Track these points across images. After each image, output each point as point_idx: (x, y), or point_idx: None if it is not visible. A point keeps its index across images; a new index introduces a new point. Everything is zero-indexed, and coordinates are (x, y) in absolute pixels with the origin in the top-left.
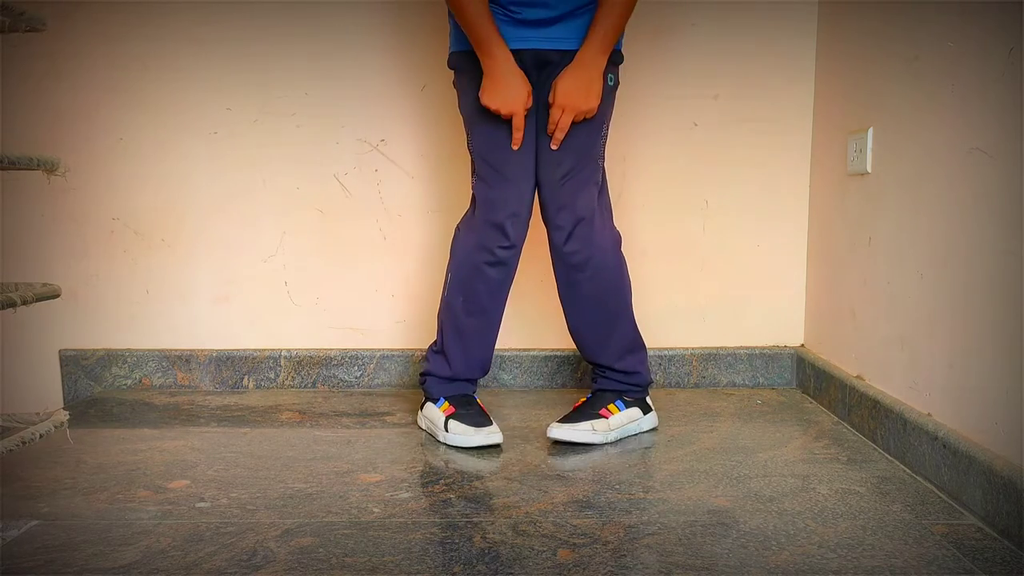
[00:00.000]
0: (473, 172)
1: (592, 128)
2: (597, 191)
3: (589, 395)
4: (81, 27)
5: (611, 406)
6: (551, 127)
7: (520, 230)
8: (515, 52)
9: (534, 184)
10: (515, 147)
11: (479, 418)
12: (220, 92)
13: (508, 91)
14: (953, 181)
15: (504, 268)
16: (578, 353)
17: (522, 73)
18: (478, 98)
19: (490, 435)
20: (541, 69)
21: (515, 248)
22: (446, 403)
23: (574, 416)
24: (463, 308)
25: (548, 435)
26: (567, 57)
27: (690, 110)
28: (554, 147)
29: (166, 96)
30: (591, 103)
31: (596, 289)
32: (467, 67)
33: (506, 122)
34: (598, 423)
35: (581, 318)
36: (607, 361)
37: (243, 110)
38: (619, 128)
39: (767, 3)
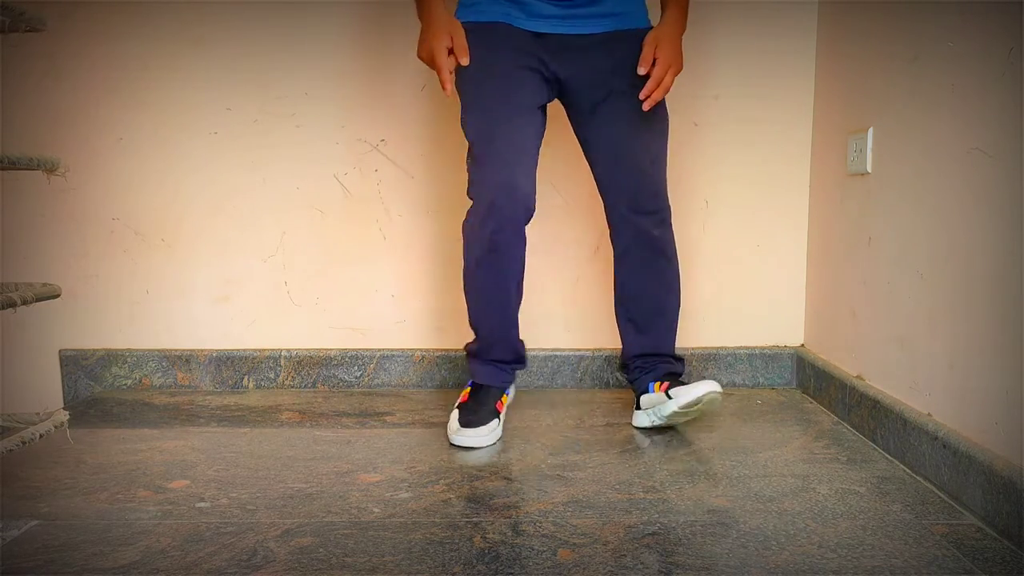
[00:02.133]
0: (467, 153)
1: (663, 110)
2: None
3: (667, 385)
4: (81, 27)
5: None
6: (654, 86)
7: (513, 209)
8: (536, 35)
9: (531, 163)
10: (446, 92)
11: (475, 415)
12: (220, 92)
13: (429, 33)
14: (953, 181)
15: (503, 253)
16: (579, 353)
17: (446, 18)
18: (472, 76)
19: (467, 437)
20: (564, 51)
21: (509, 232)
22: (468, 389)
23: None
24: (479, 292)
25: (666, 416)
26: (594, 39)
27: (690, 110)
28: (647, 108)
29: (166, 96)
30: (680, 60)
31: (674, 274)
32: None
33: (497, 94)
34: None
35: (660, 305)
36: (670, 348)
37: (243, 110)
38: None
39: (767, 3)
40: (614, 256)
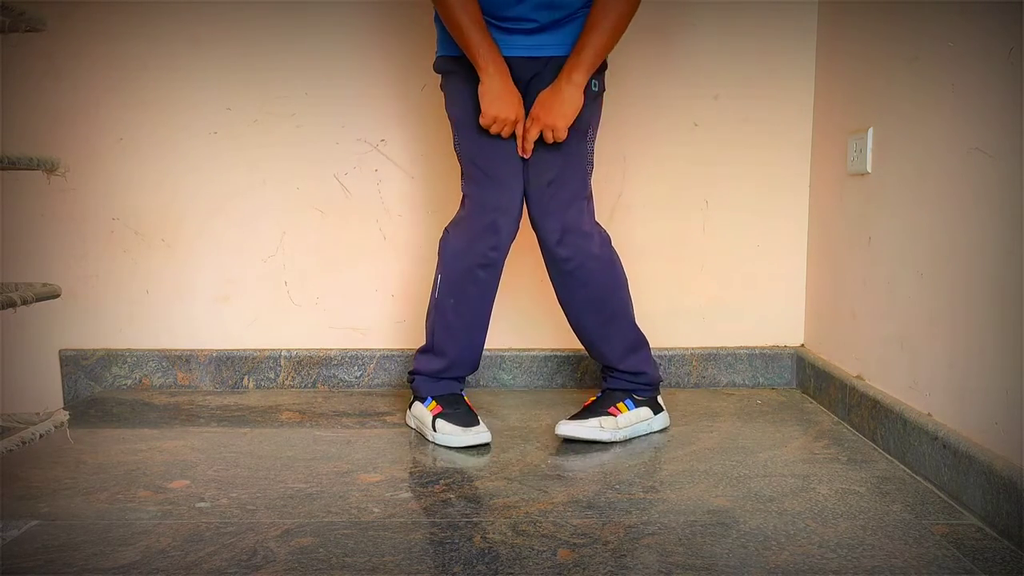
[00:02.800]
0: (463, 175)
1: (578, 135)
2: (587, 199)
3: (599, 394)
4: (81, 27)
5: (620, 405)
6: (520, 144)
7: (510, 230)
8: (505, 58)
9: (523, 186)
10: (524, 155)
11: (467, 417)
12: (220, 92)
13: (502, 108)
14: (953, 181)
15: (493, 270)
16: (578, 353)
17: (514, 88)
18: (467, 103)
19: (478, 435)
20: (532, 75)
21: (503, 250)
22: (433, 402)
23: (583, 414)
24: (453, 310)
25: (557, 432)
26: (553, 63)
27: (690, 110)
28: (523, 155)
29: (166, 96)
30: (559, 121)
31: (591, 293)
32: (455, 70)
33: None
34: (606, 420)
35: (580, 321)
36: (611, 362)
37: (243, 110)
38: (619, 128)
39: (767, 3)
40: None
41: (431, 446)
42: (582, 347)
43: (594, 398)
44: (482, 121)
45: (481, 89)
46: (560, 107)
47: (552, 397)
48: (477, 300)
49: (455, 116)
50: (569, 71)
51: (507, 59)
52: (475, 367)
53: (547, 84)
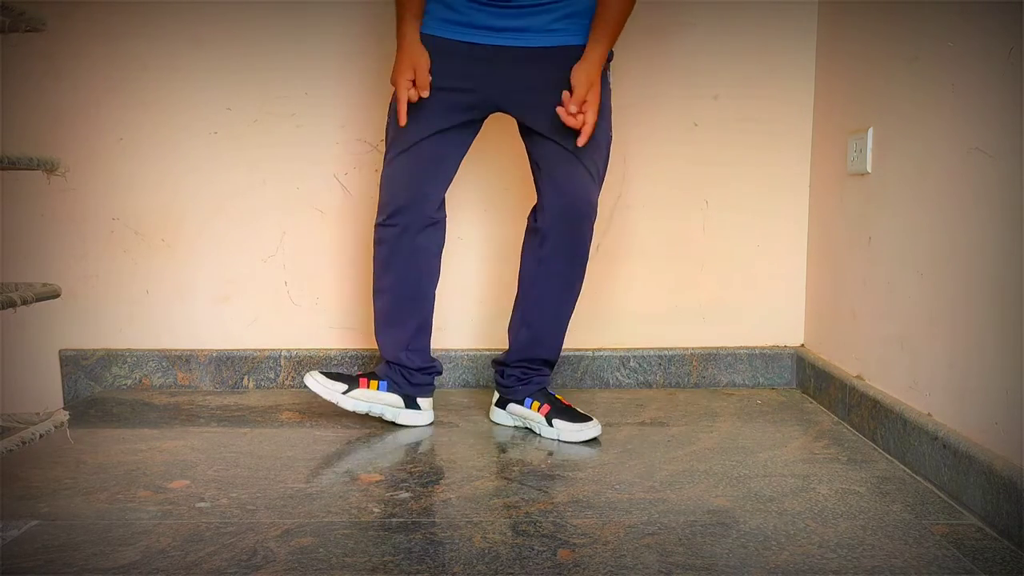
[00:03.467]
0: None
1: (604, 123)
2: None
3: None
4: (81, 27)
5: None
6: (584, 126)
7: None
8: (480, 46)
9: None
10: (400, 122)
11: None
12: (220, 92)
13: (399, 63)
14: (953, 181)
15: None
16: (578, 353)
17: (414, 48)
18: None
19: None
20: (518, 64)
21: (406, 238)
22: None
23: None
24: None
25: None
26: (536, 53)
27: (690, 110)
28: (582, 143)
29: (166, 96)
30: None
31: (579, 280)
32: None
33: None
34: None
35: (561, 310)
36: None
37: (243, 110)
38: (619, 128)
39: (767, 3)
40: (523, 261)
41: (432, 446)
42: (582, 347)
43: (547, 409)
44: (391, 78)
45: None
46: (598, 85)
47: None
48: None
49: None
50: (597, 51)
51: (483, 46)
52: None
53: (522, 76)
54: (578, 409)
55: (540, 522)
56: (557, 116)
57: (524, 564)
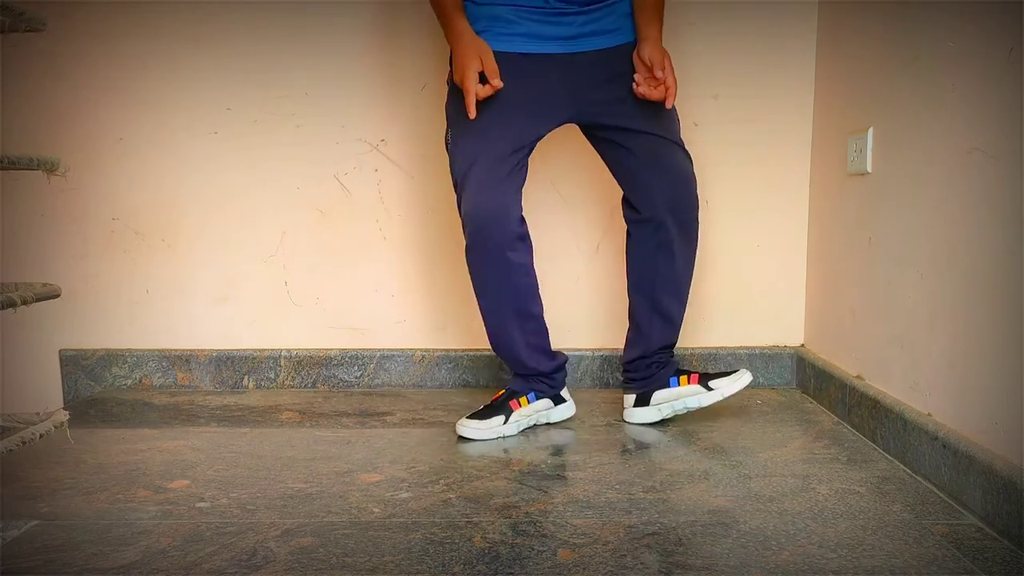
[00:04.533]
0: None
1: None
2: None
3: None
4: (81, 27)
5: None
6: (668, 89)
7: (502, 238)
8: (548, 56)
9: (516, 188)
10: (469, 114)
11: (481, 409)
12: (220, 92)
13: (462, 61)
14: (953, 181)
15: (495, 273)
16: (578, 353)
17: (475, 41)
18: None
19: (467, 429)
20: (588, 68)
21: (493, 255)
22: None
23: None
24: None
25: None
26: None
27: (690, 110)
28: (670, 105)
29: (166, 96)
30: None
31: (693, 262)
32: None
33: (486, 121)
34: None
35: (683, 294)
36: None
37: (243, 110)
38: None
39: (767, 3)
40: (638, 254)
41: (432, 446)
42: (582, 347)
43: (696, 377)
44: (455, 77)
45: (453, 50)
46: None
47: None
48: (495, 300)
49: (448, 110)
50: (656, 32)
51: (546, 56)
52: (524, 366)
53: (592, 77)
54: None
55: (540, 522)
56: (642, 108)
57: (524, 564)
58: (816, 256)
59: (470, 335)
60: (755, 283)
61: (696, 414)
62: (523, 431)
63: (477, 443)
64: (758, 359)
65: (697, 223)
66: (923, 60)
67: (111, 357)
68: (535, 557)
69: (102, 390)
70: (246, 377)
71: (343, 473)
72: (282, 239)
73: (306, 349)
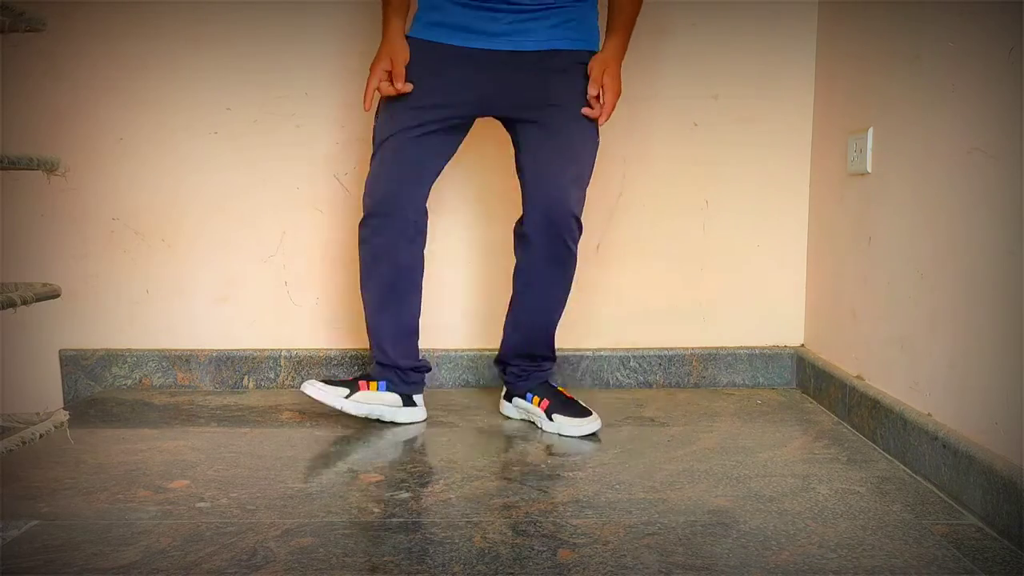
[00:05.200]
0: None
1: (595, 137)
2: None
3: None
4: (81, 27)
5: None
6: (604, 112)
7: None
8: (476, 50)
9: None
10: (364, 106)
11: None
12: (220, 92)
13: (377, 55)
14: (953, 181)
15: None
16: (578, 353)
17: (395, 43)
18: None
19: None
20: (514, 67)
21: (386, 242)
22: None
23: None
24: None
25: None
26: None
27: (690, 110)
28: (603, 122)
29: (166, 96)
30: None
31: (566, 292)
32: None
33: (407, 111)
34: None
35: (549, 318)
36: (545, 352)
37: (243, 110)
38: (619, 128)
39: (767, 3)
40: (518, 265)
41: (432, 446)
42: (582, 347)
43: (546, 404)
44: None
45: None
46: (619, 72)
47: None
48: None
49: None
50: (619, 46)
51: (486, 51)
52: (382, 353)
53: (521, 79)
54: (580, 403)
55: (540, 522)
56: (551, 114)
57: (524, 564)
58: (816, 256)
59: (470, 335)
60: (755, 283)
61: (696, 414)
62: (520, 428)
63: (476, 443)
64: (758, 359)
65: (567, 253)
66: (923, 60)
67: (111, 357)
68: (535, 557)
69: (102, 390)
70: (246, 377)
71: (343, 473)
72: (282, 239)
73: (306, 349)
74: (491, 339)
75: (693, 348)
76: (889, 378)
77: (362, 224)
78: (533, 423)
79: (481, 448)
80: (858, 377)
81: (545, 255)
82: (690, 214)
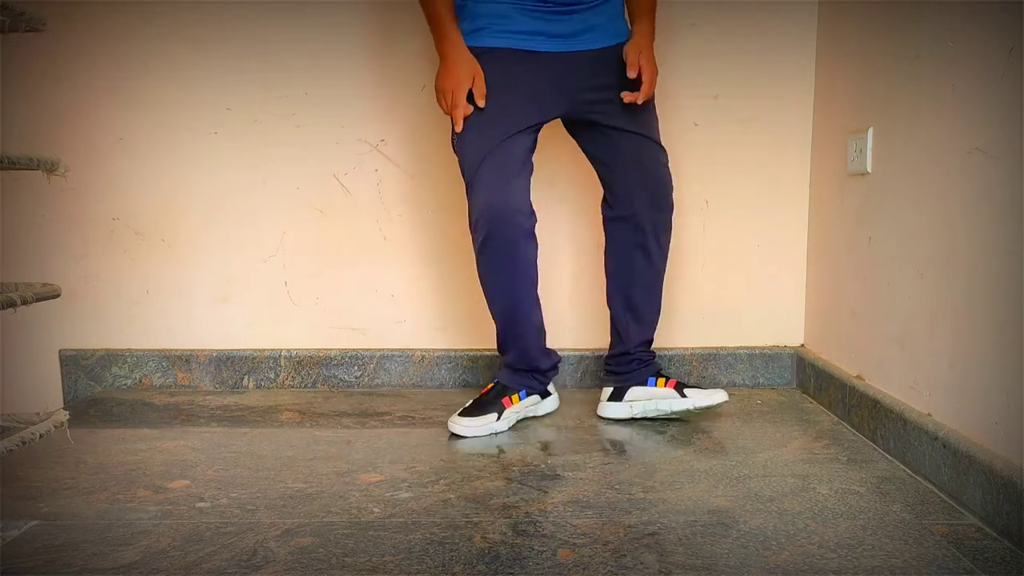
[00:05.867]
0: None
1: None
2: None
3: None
4: (81, 27)
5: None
6: (643, 92)
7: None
8: (543, 54)
9: (523, 183)
10: (456, 128)
11: (473, 407)
12: (220, 92)
13: (455, 73)
14: (953, 181)
15: (500, 264)
16: (578, 353)
17: (470, 58)
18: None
19: (459, 426)
20: (581, 66)
21: (502, 249)
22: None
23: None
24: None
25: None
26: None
27: (690, 110)
28: (641, 101)
29: (166, 96)
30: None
31: (664, 269)
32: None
33: (488, 120)
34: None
35: (657, 297)
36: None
37: (243, 110)
38: None
39: (767, 3)
40: (615, 252)
41: (432, 446)
42: (582, 347)
43: (673, 383)
44: (436, 81)
45: (440, 55)
46: (654, 54)
47: None
48: (500, 289)
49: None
50: (649, 30)
51: (537, 53)
52: (529, 360)
53: (586, 76)
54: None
55: (540, 522)
56: (627, 108)
57: (524, 564)
58: (816, 256)
59: (470, 335)
60: (755, 283)
61: (696, 414)
62: (513, 426)
63: (476, 443)
64: (758, 359)
65: (671, 225)
66: (923, 60)
67: (111, 357)
68: (535, 557)
69: (102, 390)
70: (246, 377)
71: (343, 473)
72: (282, 239)
73: (306, 349)
74: (491, 339)
75: (693, 348)
76: (889, 378)
77: (484, 245)
78: (652, 418)
79: (481, 448)
80: (858, 377)
81: (655, 234)
82: (690, 214)
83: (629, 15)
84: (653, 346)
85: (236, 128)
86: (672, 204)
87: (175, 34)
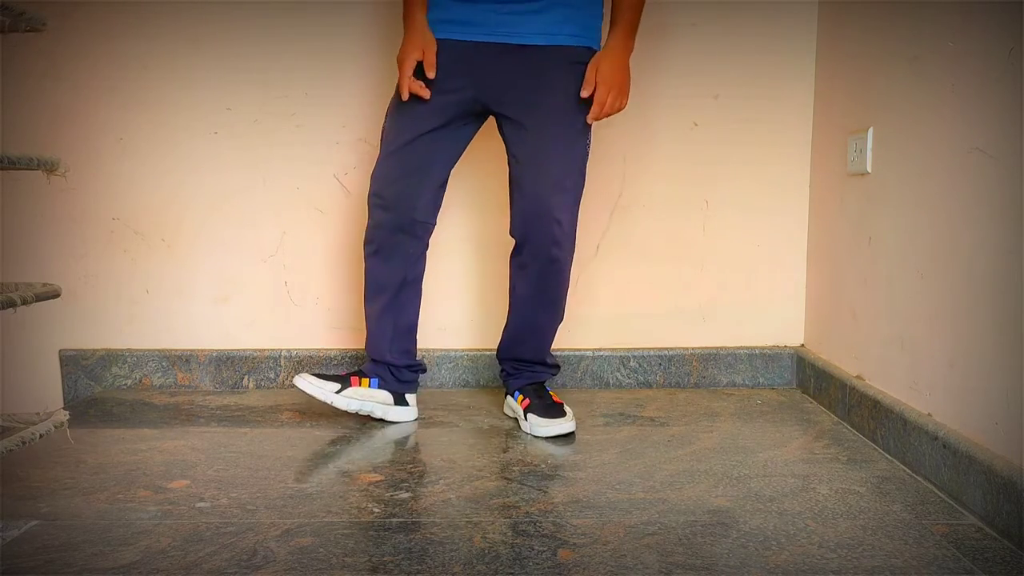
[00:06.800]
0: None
1: (585, 133)
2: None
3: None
4: (81, 27)
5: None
6: (592, 110)
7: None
8: (476, 44)
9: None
10: (402, 97)
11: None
12: (220, 92)
13: (407, 46)
14: (953, 181)
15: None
16: (578, 353)
17: (423, 31)
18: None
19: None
20: (514, 61)
21: (384, 239)
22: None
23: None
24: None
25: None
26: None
27: (690, 110)
28: (590, 120)
29: (166, 96)
30: (626, 96)
31: (562, 301)
32: None
33: (414, 111)
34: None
35: (542, 324)
36: (542, 358)
37: (243, 110)
38: (619, 128)
39: (767, 3)
40: (510, 276)
41: (432, 446)
42: (582, 347)
43: (526, 403)
44: (397, 56)
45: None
46: (620, 67)
47: None
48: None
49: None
50: (624, 42)
51: (478, 43)
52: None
53: (516, 73)
54: (563, 407)
55: (540, 522)
56: (547, 113)
57: (524, 564)
58: (816, 256)
59: (470, 335)
60: (755, 283)
61: (696, 414)
62: (495, 427)
63: (476, 443)
64: (758, 359)
65: (554, 257)
66: (923, 60)
67: (111, 357)
68: (535, 557)
69: (102, 390)
70: (246, 377)
71: (343, 473)
72: (282, 239)
73: (306, 349)
74: (491, 339)
75: (693, 348)
76: (889, 378)
77: (369, 222)
78: (652, 419)
79: (481, 448)
80: (858, 377)
81: (530, 266)
82: (690, 214)
83: (610, 24)
84: (653, 346)
85: (236, 128)
86: (547, 238)
87: (175, 34)
